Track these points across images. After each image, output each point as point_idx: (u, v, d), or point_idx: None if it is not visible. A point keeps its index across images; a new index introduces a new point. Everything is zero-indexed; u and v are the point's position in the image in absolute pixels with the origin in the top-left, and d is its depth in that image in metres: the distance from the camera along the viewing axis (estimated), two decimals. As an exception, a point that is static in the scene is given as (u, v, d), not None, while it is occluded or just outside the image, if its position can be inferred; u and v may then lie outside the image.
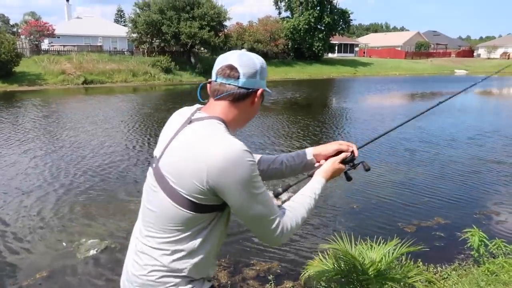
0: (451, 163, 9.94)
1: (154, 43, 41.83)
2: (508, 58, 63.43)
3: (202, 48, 42.57)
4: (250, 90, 1.44)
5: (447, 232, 6.25)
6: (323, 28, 53.70)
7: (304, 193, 1.56)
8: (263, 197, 1.33)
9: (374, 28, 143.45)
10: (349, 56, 66.91)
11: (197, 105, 1.58)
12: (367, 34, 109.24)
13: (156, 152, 1.47)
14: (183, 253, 1.38)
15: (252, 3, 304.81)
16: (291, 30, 51.65)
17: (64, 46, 40.45)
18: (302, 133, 13.82)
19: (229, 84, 1.43)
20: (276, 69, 45.50)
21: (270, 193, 1.52)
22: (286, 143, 12.09)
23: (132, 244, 1.54)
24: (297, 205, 1.50)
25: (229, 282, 4.90)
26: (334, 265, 2.83)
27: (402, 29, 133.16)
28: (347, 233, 6.33)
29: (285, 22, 53.74)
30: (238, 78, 1.41)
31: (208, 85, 1.57)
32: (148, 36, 39.97)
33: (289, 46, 51.95)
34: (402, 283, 2.53)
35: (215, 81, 1.48)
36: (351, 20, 57.45)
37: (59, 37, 42.65)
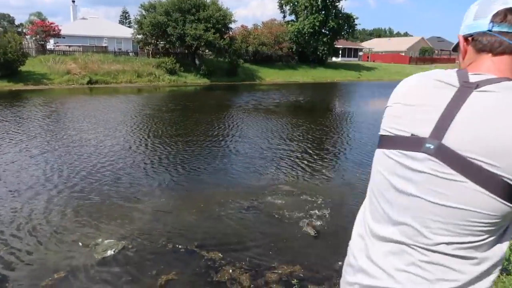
0: None
1: (159, 44, 41.80)
2: None
3: (206, 50, 42.55)
4: None
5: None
6: (327, 32, 53.65)
7: None
8: None
9: (378, 33, 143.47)
10: (353, 60, 66.84)
11: (450, 68, 1.21)
12: (370, 39, 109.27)
13: (419, 131, 1.08)
14: (489, 263, 1.04)
15: (256, 7, 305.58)
16: (296, 33, 51.63)
17: (69, 46, 40.44)
18: (304, 136, 13.69)
19: None
20: (280, 72, 45.48)
21: None
22: (288, 147, 11.94)
23: (395, 253, 1.13)
24: None
25: (252, 285, 4.78)
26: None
27: (406, 34, 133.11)
28: None
29: (289, 25, 53.73)
30: None
31: (465, 40, 1.20)
32: (153, 37, 39.95)
33: (294, 50, 51.89)
34: None
35: (489, 31, 1.09)
36: (356, 24, 57.46)
37: (64, 37, 42.65)
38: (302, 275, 5.06)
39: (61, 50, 38.93)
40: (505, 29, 1.06)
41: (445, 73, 1.15)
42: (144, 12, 40.41)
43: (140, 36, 40.51)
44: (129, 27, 58.05)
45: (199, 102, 24.10)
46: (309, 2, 52.14)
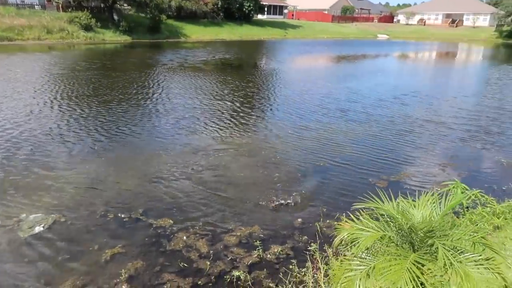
0: (387, 122, 9.99)
1: (69, -4, 37.43)
2: (424, 24, 67.74)
3: (125, 4, 39.12)
4: None
5: (418, 185, 6.27)
6: (253, -13, 52.14)
7: None
8: None
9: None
10: (278, 18, 66.34)
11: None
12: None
13: None
14: None
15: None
16: (220, -12, 49.42)
17: (-43, -4, 34.52)
18: (234, 93, 13.11)
19: None
20: (206, 29, 43.64)
21: None
22: (218, 105, 11.36)
23: None
24: None
25: (211, 251, 4.37)
26: (379, 227, 2.43)
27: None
28: (320, 200, 6.16)
29: (213, -21, 51.18)
30: None
31: None
32: (62, -12, 35.56)
33: (219, 6, 49.88)
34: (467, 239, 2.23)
35: None
36: (281, -20, 56.45)
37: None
38: (262, 235, 4.75)
39: None
40: None
41: None
42: (48, -41, 35.53)
43: (45, -14, 35.78)
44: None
45: (120, 60, 22.20)
46: (233, -45, 49.80)
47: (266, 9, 63.10)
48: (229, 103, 11.59)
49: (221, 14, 50.98)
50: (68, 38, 31.36)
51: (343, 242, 2.63)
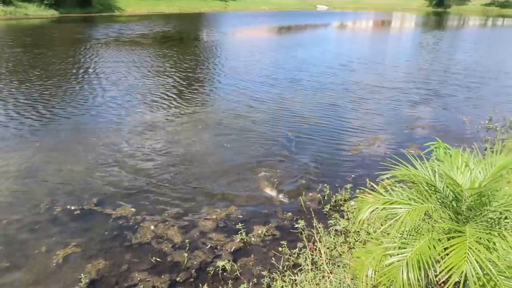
0: (340, 90, 9.68)
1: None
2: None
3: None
4: None
5: (394, 150, 6.02)
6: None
7: None
8: None
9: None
10: (216, -10, 64.12)
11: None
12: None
13: None
14: None
15: None
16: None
17: None
18: (176, 68, 12.06)
19: None
20: (143, 2, 40.95)
21: None
22: (161, 80, 10.32)
23: None
24: None
25: (186, 240, 3.75)
26: (418, 198, 1.96)
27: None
28: (295, 172, 5.68)
29: None
30: None
31: None
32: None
33: (153, -23, 46.97)
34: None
35: None
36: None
37: None
38: (241, 216, 4.20)
39: None
40: None
41: None
42: None
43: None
44: None
45: (47, 36, 19.98)
46: None
47: (204, -20, 60.65)
48: (172, 78, 10.58)
49: (156, -15, 48.18)
50: (-17, 14, 27.91)
51: (367, 219, 2.13)
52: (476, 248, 1.68)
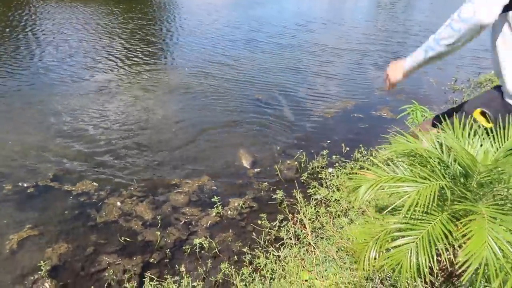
0: (302, 52, 9.24)
1: None
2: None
3: None
4: None
5: (364, 112, 5.90)
6: None
7: None
8: None
9: None
10: None
11: None
12: None
13: None
14: None
15: None
16: None
17: None
18: (123, 28, 10.89)
19: None
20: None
21: None
22: (106, 41, 9.28)
23: None
24: None
25: (157, 217, 3.47)
26: (427, 175, 1.77)
27: None
28: (267, 139, 5.42)
29: None
30: None
31: None
32: None
33: None
34: None
35: None
36: None
37: None
38: (215, 187, 3.95)
39: None
40: None
41: None
42: None
43: None
44: None
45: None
46: None
47: None
48: (122, 38, 9.65)
49: None
50: None
51: (366, 198, 1.94)
52: (495, 231, 1.53)
